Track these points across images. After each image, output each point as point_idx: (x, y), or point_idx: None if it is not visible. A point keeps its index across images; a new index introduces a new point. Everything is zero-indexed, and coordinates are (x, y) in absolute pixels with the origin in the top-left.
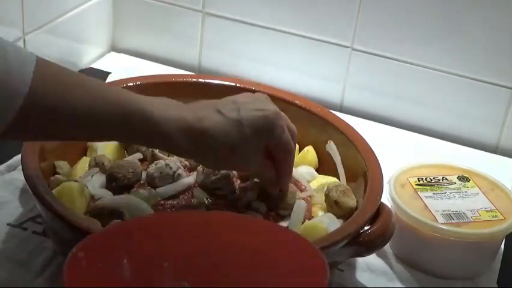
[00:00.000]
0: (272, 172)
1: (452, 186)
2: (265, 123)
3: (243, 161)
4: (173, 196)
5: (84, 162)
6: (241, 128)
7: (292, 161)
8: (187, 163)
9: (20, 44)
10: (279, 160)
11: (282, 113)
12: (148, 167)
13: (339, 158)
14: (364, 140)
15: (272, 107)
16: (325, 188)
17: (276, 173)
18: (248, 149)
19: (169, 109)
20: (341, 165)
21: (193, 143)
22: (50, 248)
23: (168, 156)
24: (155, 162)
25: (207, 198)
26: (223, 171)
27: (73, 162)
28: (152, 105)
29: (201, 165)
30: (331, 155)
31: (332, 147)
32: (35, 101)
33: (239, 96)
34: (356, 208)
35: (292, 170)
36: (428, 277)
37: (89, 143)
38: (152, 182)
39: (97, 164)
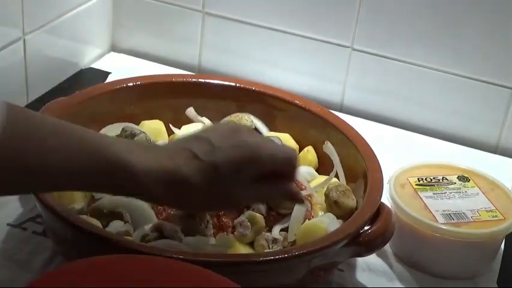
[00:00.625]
0: (274, 191)
1: (452, 186)
2: (243, 161)
3: (228, 200)
4: None
5: None
6: (216, 171)
7: (294, 171)
8: None
9: (20, 44)
10: (282, 178)
11: (263, 143)
12: None
13: (338, 158)
14: (364, 140)
15: (252, 139)
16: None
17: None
18: (230, 189)
19: (148, 157)
20: (340, 166)
21: (171, 192)
22: (50, 248)
23: None
24: None
25: None
26: None
27: None
28: (131, 155)
29: None
30: None
31: (329, 148)
32: (3, 151)
33: (215, 133)
34: (356, 208)
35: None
36: (428, 277)
37: None
38: None
39: None
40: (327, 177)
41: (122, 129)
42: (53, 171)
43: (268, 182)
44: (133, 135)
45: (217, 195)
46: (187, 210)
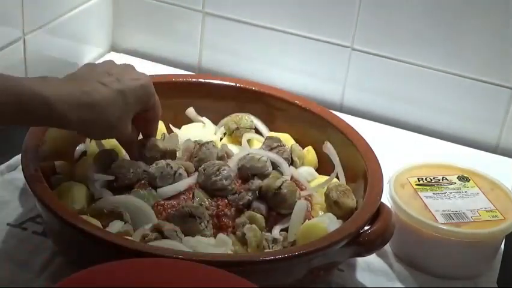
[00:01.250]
0: (135, 133)
1: (452, 186)
2: (144, 91)
3: (125, 129)
4: (174, 196)
5: (84, 162)
6: (125, 98)
7: (158, 116)
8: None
9: (20, 44)
10: (149, 121)
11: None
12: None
13: (337, 158)
14: (364, 140)
15: (144, 75)
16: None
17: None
18: (129, 117)
19: (56, 87)
20: (340, 166)
21: (82, 116)
22: (50, 248)
23: None
24: (156, 162)
25: (207, 199)
26: (224, 173)
27: (72, 162)
28: (42, 86)
29: (202, 166)
30: None
31: (329, 148)
32: None
33: (108, 66)
34: (356, 208)
35: (157, 122)
36: (428, 277)
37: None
38: (152, 182)
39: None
40: (327, 177)
41: None
42: None
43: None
44: None
45: (120, 121)
46: (91, 137)
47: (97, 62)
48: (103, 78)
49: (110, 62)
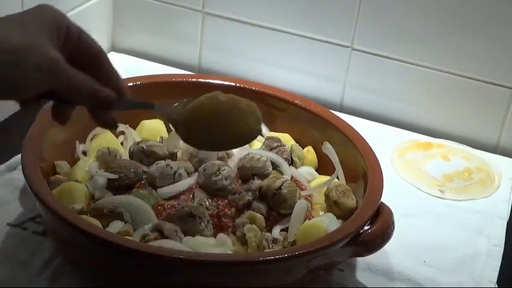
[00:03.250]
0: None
1: None
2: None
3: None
4: (174, 196)
5: (84, 162)
6: (23, 29)
7: (107, 59)
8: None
9: None
10: (95, 64)
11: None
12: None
13: (337, 158)
14: (364, 140)
15: (60, 13)
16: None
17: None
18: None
19: None
20: (339, 166)
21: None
22: (50, 248)
23: None
24: (156, 162)
25: (207, 199)
26: (224, 173)
27: (72, 162)
28: None
29: (202, 166)
30: None
31: (328, 148)
32: None
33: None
34: (356, 208)
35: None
36: (428, 277)
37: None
38: (152, 182)
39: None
40: (327, 177)
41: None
42: None
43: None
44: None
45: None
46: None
47: None
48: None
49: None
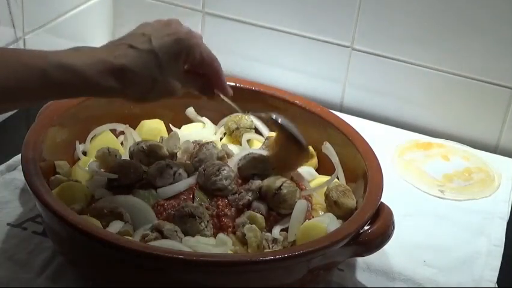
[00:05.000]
0: (198, 82)
1: None
2: (179, 46)
3: (166, 89)
4: (174, 196)
5: (84, 162)
6: (156, 57)
7: (219, 67)
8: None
9: (20, 44)
10: (207, 73)
11: (194, 32)
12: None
13: (337, 158)
14: (364, 140)
15: (183, 29)
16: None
17: (207, 82)
18: (168, 76)
19: (87, 56)
20: (339, 166)
21: (116, 80)
22: (50, 248)
23: None
24: (156, 162)
25: (207, 199)
26: (224, 173)
27: (72, 162)
28: (70, 58)
29: (202, 166)
30: None
31: (328, 148)
32: None
33: (148, 26)
34: (356, 208)
35: (222, 74)
36: (428, 277)
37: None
38: (152, 182)
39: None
40: (327, 177)
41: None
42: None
43: (191, 73)
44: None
45: (157, 82)
46: (133, 100)
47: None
48: (134, 40)
49: (152, 22)
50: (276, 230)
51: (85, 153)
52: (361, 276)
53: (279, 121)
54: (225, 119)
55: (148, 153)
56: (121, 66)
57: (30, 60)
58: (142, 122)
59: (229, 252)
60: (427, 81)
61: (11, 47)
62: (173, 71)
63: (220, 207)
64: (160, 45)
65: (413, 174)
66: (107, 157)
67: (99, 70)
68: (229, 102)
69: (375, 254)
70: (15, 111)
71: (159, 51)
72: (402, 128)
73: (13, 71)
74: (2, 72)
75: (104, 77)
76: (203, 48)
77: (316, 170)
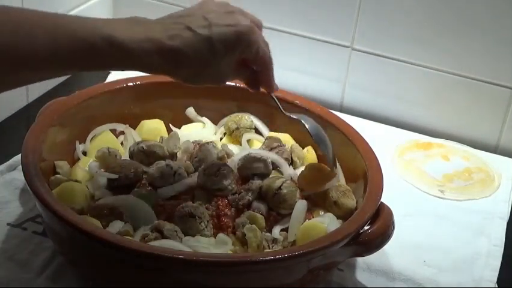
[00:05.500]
0: (246, 74)
1: None
2: (237, 39)
3: (216, 75)
4: (174, 196)
5: (84, 162)
6: (212, 45)
7: (271, 66)
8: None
9: None
10: (259, 70)
11: (255, 27)
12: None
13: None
14: (364, 140)
15: (245, 22)
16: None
17: (255, 76)
18: (220, 64)
19: (139, 32)
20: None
21: (165, 61)
22: (50, 248)
23: None
24: (156, 162)
25: (207, 199)
26: (224, 173)
27: (72, 162)
28: (122, 32)
29: (202, 166)
30: None
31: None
32: None
33: (210, 9)
34: (356, 208)
35: (272, 73)
36: (428, 277)
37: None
38: (152, 182)
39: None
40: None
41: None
42: (43, 56)
43: (243, 65)
44: None
45: (207, 67)
46: (178, 79)
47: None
48: (194, 22)
49: (214, 3)
50: (276, 230)
51: (85, 153)
52: (361, 276)
53: (307, 126)
54: (225, 119)
55: (148, 153)
56: (174, 48)
57: (77, 30)
58: (142, 122)
59: (229, 252)
60: (427, 81)
61: None
62: (226, 61)
63: (220, 207)
64: (219, 35)
65: (413, 174)
66: (107, 157)
67: (148, 49)
68: (275, 99)
69: (375, 254)
70: (15, 111)
71: (217, 40)
72: (402, 128)
73: (61, 40)
74: (49, 40)
75: (152, 57)
76: (261, 46)
77: None
